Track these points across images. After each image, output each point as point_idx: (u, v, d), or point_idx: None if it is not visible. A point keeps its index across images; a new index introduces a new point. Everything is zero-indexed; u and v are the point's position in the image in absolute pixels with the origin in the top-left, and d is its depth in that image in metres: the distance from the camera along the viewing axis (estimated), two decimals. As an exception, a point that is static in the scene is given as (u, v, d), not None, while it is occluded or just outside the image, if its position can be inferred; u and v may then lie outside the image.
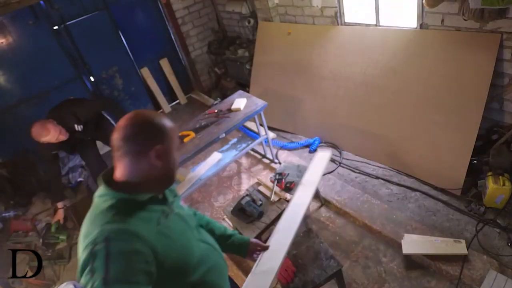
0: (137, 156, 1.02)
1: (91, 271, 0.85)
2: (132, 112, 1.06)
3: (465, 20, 2.42)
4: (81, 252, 0.92)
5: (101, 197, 1.03)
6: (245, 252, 1.49)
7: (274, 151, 3.62)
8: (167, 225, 1.06)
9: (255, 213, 2.42)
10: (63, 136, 2.73)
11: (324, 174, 3.22)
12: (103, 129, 3.15)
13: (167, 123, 1.08)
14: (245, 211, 2.45)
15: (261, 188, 2.71)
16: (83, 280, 0.88)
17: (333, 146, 3.54)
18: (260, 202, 2.51)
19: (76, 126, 2.87)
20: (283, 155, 3.65)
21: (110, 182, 1.04)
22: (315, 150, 3.56)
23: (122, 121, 1.03)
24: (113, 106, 3.47)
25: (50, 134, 2.63)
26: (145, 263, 0.91)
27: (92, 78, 4.56)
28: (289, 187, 2.61)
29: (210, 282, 1.17)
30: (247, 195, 2.58)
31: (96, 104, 3.21)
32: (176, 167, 1.11)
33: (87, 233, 0.95)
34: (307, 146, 3.65)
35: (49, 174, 3.09)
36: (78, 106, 2.94)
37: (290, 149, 3.70)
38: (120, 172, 1.04)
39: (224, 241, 1.46)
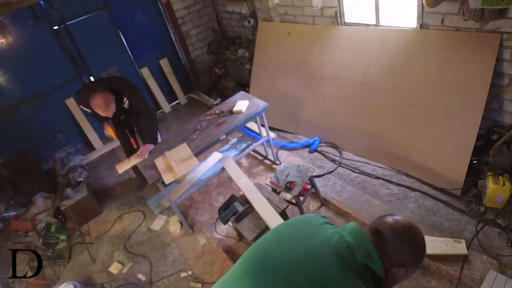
0: (393, 261, 0.98)
1: None
2: (418, 229, 1.02)
3: (465, 20, 2.42)
4: None
5: (370, 258, 0.95)
6: None
7: (275, 151, 3.62)
8: None
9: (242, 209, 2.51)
10: (111, 115, 2.94)
11: (324, 174, 3.24)
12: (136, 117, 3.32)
13: (423, 256, 1.03)
14: (229, 208, 2.54)
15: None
16: None
17: (333, 146, 3.54)
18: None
19: (123, 105, 3.08)
20: (283, 155, 3.65)
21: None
22: (315, 150, 3.56)
23: (412, 227, 1.00)
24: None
25: (107, 111, 2.87)
26: None
27: (92, 78, 4.56)
28: (289, 187, 2.61)
29: None
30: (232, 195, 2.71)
31: (144, 104, 3.33)
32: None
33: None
34: (307, 146, 3.64)
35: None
36: (135, 93, 3.14)
37: (290, 149, 3.70)
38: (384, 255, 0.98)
39: None
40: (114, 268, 2.98)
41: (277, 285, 0.93)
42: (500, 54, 2.43)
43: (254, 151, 3.82)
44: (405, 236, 0.99)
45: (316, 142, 3.58)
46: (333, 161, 3.38)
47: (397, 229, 0.99)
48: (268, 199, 2.54)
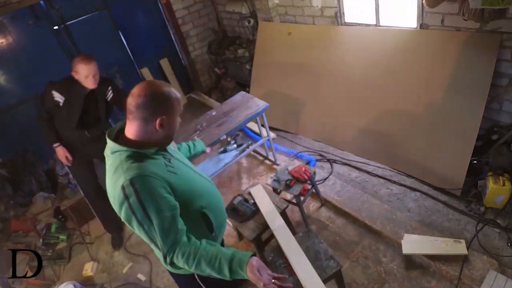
0: (145, 122, 1.24)
1: (131, 209, 1.16)
2: (145, 82, 1.26)
3: (465, 20, 2.42)
4: (115, 194, 1.18)
5: (114, 152, 1.25)
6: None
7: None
8: (172, 166, 1.33)
9: (248, 212, 2.43)
10: (95, 79, 2.55)
11: (325, 178, 3.23)
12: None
13: (173, 94, 1.27)
14: (238, 211, 2.46)
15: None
16: (123, 215, 1.19)
17: (325, 160, 3.49)
18: (253, 201, 2.51)
19: (106, 96, 2.75)
20: (283, 155, 3.65)
21: (120, 139, 1.27)
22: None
23: (137, 89, 1.23)
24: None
25: (96, 74, 2.52)
26: (167, 193, 1.21)
27: (92, 78, 4.56)
28: (289, 185, 2.62)
29: (214, 206, 1.49)
30: (239, 195, 2.59)
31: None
32: (175, 131, 1.35)
33: (114, 181, 1.21)
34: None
35: (43, 118, 2.78)
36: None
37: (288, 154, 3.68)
38: (130, 131, 1.27)
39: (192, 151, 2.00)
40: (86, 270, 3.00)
41: None
42: (500, 54, 2.43)
43: (255, 151, 3.82)
44: (139, 100, 1.22)
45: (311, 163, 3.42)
46: (335, 161, 3.38)
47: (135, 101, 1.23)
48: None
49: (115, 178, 1.21)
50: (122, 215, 1.20)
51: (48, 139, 2.85)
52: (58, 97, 2.59)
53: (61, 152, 2.82)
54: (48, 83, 2.63)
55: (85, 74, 2.49)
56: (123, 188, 1.15)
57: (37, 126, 2.90)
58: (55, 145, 2.81)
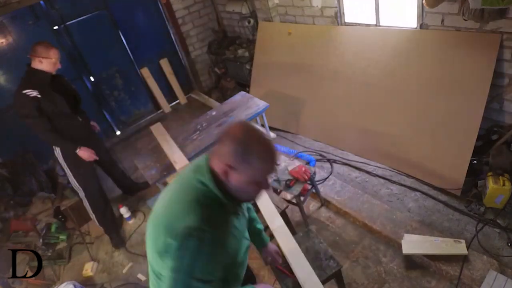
0: (218, 160, 1.05)
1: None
2: (251, 127, 1.05)
3: (465, 20, 2.42)
4: (175, 233, 1.00)
5: (202, 184, 1.06)
6: (260, 250, 1.69)
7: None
8: (236, 226, 1.14)
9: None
10: (58, 64, 2.70)
11: (325, 178, 3.23)
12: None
13: (265, 159, 1.07)
14: None
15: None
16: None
17: (325, 160, 3.51)
18: (253, 201, 2.50)
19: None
20: (283, 155, 3.65)
21: (212, 173, 1.07)
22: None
23: (239, 127, 1.03)
24: None
25: (55, 53, 2.63)
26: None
27: (92, 78, 4.56)
28: (289, 185, 2.62)
29: (241, 274, 1.31)
30: None
31: None
32: (245, 197, 1.13)
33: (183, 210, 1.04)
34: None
35: (43, 127, 2.63)
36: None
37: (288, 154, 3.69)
38: (214, 162, 1.07)
39: (253, 234, 1.56)
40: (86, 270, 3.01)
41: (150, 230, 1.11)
42: (500, 54, 2.43)
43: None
44: (226, 136, 1.02)
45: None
46: (335, 161, 3.38)
47: (224, 133, 1.04)
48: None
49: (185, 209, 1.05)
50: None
51: (69, 148, 2.71)
52: (32, 93, 2.52)
53: (86, 153, 2.73)
54: (15, 93, 2.60)
55: (57, 57, 2.64)
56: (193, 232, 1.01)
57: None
58: (78, 150, 2.70)
